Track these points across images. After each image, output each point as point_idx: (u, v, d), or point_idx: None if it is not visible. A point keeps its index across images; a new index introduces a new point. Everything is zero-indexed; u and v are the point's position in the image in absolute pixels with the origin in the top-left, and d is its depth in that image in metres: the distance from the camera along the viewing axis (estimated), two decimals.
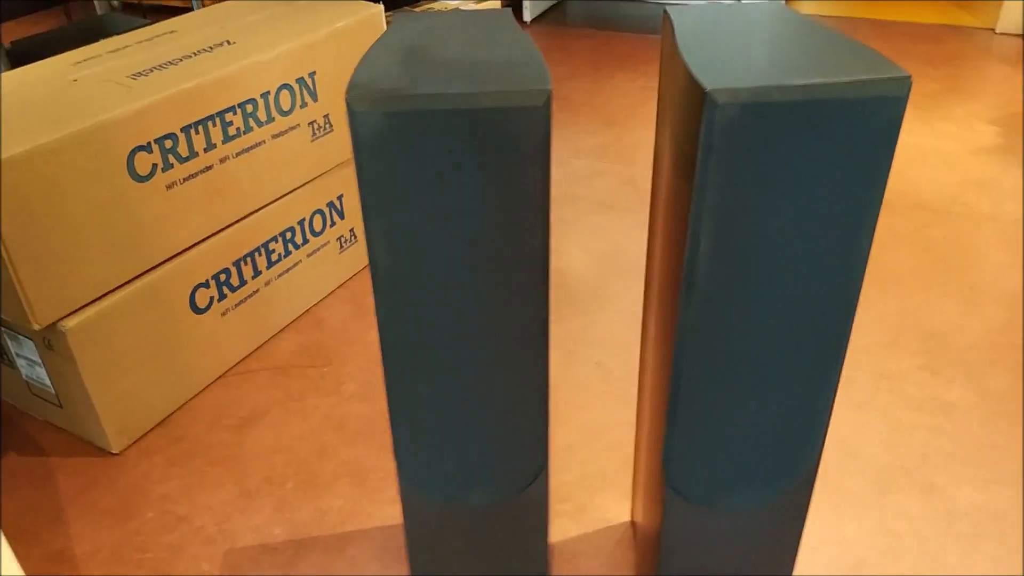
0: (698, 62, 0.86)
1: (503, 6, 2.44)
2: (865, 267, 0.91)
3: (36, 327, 1.49)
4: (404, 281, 0.92)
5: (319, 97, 1.85)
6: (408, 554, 1.18)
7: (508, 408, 1.02)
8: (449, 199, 0.87)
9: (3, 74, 1.70)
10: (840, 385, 1.73)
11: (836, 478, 1.53)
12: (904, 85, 0.80)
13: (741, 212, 0.85)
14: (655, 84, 3.21)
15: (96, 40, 1.82)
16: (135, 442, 1.70)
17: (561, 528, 1.47)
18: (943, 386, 1.73)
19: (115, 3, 2.79)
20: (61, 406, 1.68)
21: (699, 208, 0.86)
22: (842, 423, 1.64)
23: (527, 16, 3.91)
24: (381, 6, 1.95)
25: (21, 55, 2.08)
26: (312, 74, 1.82)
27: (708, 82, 0.80)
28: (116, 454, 1.68)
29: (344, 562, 1.44)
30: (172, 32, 1.85)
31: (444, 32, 1.00)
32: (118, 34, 1.87)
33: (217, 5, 2.03)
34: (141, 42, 1.80)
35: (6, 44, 2.40)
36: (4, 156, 1.36)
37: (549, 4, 4.12)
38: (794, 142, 0.81)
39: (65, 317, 1.52)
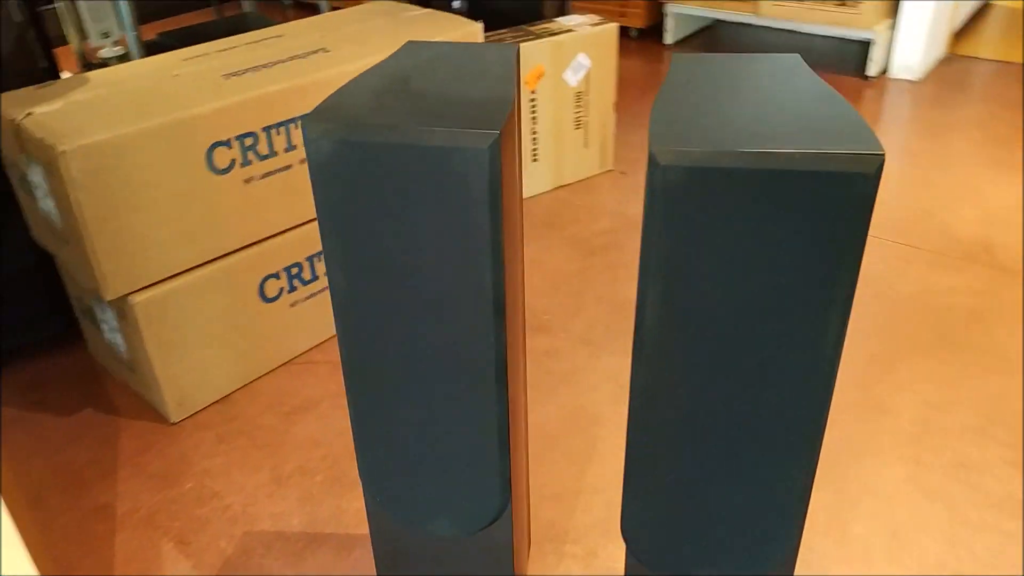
0: (662, 117, 0.82)
1: (610, 25, 2.41)
2: (838, 355, 0.84)
3: (107, 298, 1.61)
4: (359, 304, 0.94)
5: None
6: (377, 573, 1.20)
7: (464, 444, 1.02)
8: (397, 230, 0.88)
9: (123, 64, 1.85)
10: (908, 467, 1.61)
11: (881, 568, 1.42)
12: (872, 163, 0.74)
13: (690, 278, 0.81)
14: None
15: (232, 36, 1.95)
16: (193, 415, 1.81)
17: (564, 569, 1.44)
18: None
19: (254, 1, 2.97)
20: (134, 371, 1.81)
21: (645, 269, 0.82)
22: (900, 509, 1.52)
23: (668, 39, 3.84)
24: (480, 25, 1.97)
25: (163, 47, 2.25)
26: None
27: (655, 141, 0.77)
28: (173, 423, 1.79)
29: (349, 563, 1.47)
30: (279, 36, 1.95)
31: (436, 66, 1.00)
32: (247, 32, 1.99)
33: (332, 13, 2.12)
34: (249, 44, 1.90)
35: (154, 36, 2.60)
36: (90, 141, 1.48)
37: (698, 27, 4.03)
38: (747, 212, 0.77)
39: (136, 292, 1.64)
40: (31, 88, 1.71)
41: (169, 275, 1.66)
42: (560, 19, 2.55)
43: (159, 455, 1.72)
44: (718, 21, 4.12)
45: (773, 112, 0.83)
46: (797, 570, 1.41)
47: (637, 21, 3.85)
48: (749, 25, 4.03)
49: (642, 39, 3.95)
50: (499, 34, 2.44)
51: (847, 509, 1.53)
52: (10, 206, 1.82)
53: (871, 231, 2.34)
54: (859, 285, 2.13)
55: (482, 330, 0.92)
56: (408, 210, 0.86)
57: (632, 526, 0.99)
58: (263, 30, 2.00)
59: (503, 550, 1.11)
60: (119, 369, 1.88)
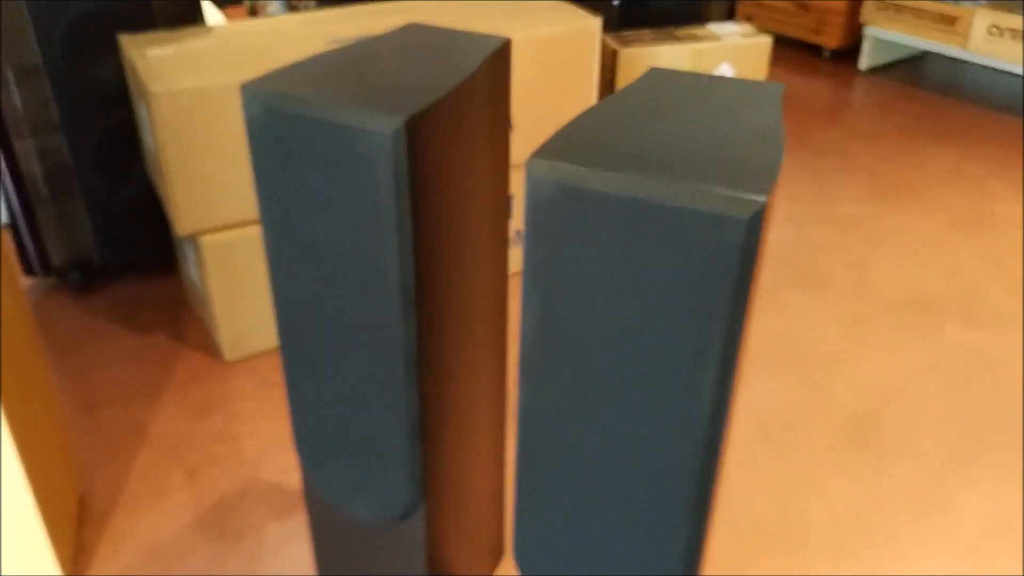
0: (574, 128, 0.76)
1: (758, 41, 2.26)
2: (720, 409, 0.74)
3: (178, 234, 1.71)
4: (288, 272, 0.94)
5: None
6: (315, 556, 1.20)
7: (379, 431, 0.99)
8: (316, 206, 0.86)
9: (249, 21, 1.95)
10: None
11: None
12: (748, 207, 0.64)
13: (562, 298, 0.75)
14: (966, 168, 2.78)
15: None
16: (246, 359, 1.89)
17: None
18: None
19: None
20: (204, 306, 1.92)
21: (525, 284, 0.76)
22: None
23: (863, 63, 3.56)
24: (597, 20, 1.91)
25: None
26: None
27: (540, 151, 0.71)
28: (226, 361, 1.88)
29: None
30: (395, 12, 1.98)
31: (406, 48, 0.98)
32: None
33: None
34: (371, 14, 1.95)
35: None
36: (179, 87, 1.57)
37: (901, 55, 3.71)
38: (617, 239, 0.69)
39: (208, 233, 1.73)
40: (160, 33, 1.84)
41: (240, 223, 1.74)
42: (711, 25, 2.42)
43: (202, 388, 1.81)
44: (927, 53, 3.78)
45: (692, 141, 0.74)
46: None
47: (832, 40, 3.60)
48: (964, 62, 3.67)
49: (835, 60, 3.69)
50: (638, 33, 2.36)
51: None
52: (135, 139, 1.98)
53: None
54: (979, 368, 1.90)
55: (390, 319, 0.90)
56: (324, 187, 0.85)
57: (523, 550, 0.94)
58: (391, 4, 2.04)
59: (416, 547, 1.08)
60: (195, 302, 2.00)
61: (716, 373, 0.71)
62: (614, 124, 0.77)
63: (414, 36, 1.01)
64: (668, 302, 0.70)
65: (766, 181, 0.66)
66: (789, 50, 3.84)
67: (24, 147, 1.94)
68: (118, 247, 2.09)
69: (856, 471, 1.61)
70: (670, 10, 2.58)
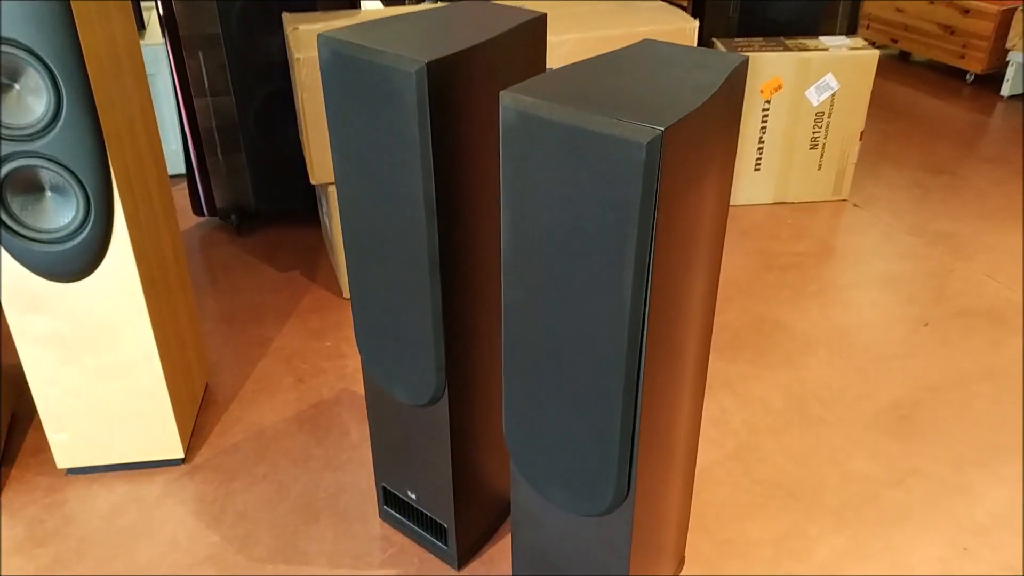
0: (546, 76, 0.99)
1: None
2: (639, 310, 0.94)
3: (313, 181, 2.05)
4: (347, 188, 1.21)
5: None
6: (370, 427, 1.47)
7: (412, 327, 1.25)
8: (366, 132, 1.13)
9: (398, 7, 2.27)
10: (952, 552, 1.52)
11: None
12: (648, 134, 0.85)
13: (525, 206, 0.97)
14: None
15: None
16: None
17: None
18: None
19: None
20: (332, 250, 2.25)
21: (502, 197, 1.00)
22: None
23: (1006, 90, 3.51)
24: (696, 23, 2.10)
25: None
26: None
27: (510, 88, 0.95)
28: (346, 299, 2.20)
29: None
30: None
31: (460, 16, 1.23)
32: None
33: None
34: None
35: None
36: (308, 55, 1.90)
37: None
38: (561, 158, 0.91)
39: (332, 184, 2.05)
40: (317, 13, 2.19)
41: None
42: (823, 38, 2.54)
43: (322, 317, 2.14)
44: None
45: (636, 90, 0.95)
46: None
47: (976, 65, 3.58)
48: None
49: (976, 85, 3.66)
50: (750, 41, 2.51)
51: (858, 558, 1.50)
52: (291, 104, 2.34)
53: None
54: None
55: (418, 224, 1.15)
56: (371, 115, 1.11)
57: (512, 435, 1.16)
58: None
59: (442, 426, 1.32)
60: (327, 246, 2.34)
61: (634, 267, 0.91)
62: (582, 74, 0.99)
63: (474, 7, 1.26)
64: (598, 210, 0.91)
65: (673, 118, 0.87)
66: (934, 74, 3.83)
67: (201, 105, 2.34)
68: (271, 196, 2.47)
69: (882, 451, 1.72)
70: (788, 21, 2.71)
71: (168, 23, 2.21)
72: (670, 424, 1.13)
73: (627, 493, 1.08)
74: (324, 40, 1.12)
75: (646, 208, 0.88)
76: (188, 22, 2.24)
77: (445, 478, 1.37)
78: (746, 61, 1.04)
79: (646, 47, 1.10)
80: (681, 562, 1.47)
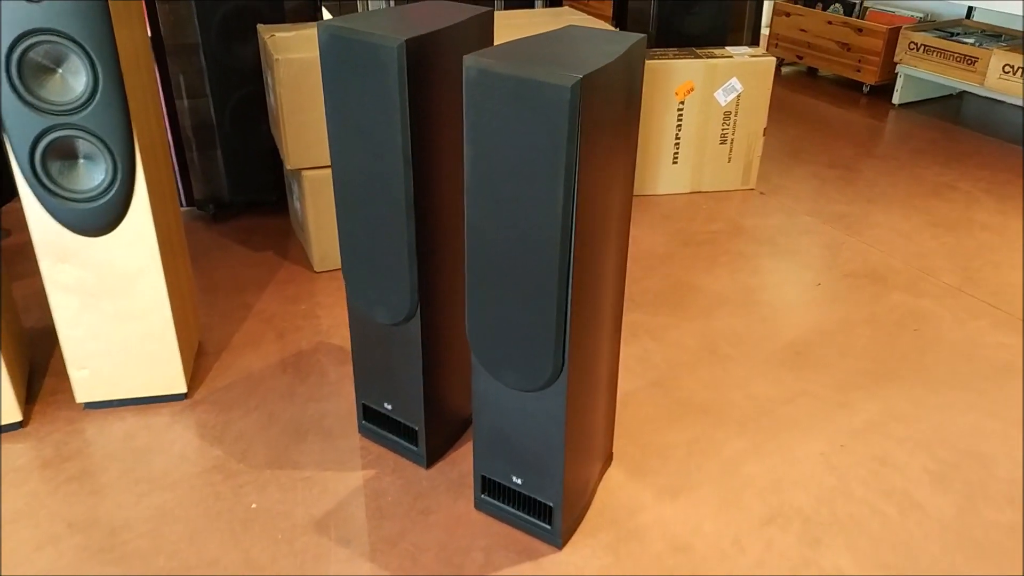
0: (498, 47, 1.32)
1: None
2: (569, 217, 1.27)
3: (288, 167, 2.35)
4: (340, 147, 1.52)
5: None
6: (352, 349, 1.77)
7: (390, 256, 1.56)
8: (357, 99, 1.45)
9: None
10: (829, 447, 1.86)
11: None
12: (569, 79, 1.18)
13: (482, 146, 1.30)
14: (960, 184, 3.17)
15: None
16: (331, 271, 2.50)
17: None
18: None
19: None
20: (302, 230, 2.54)
21: (466, 136, 1.32)
22: (794, 467, 1.80)
23: (896, 98, 3.97)
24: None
25: None
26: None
27: (473, 54, 1.27)
28: (316, 272, 2.49)
29: None
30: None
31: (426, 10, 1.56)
32: None
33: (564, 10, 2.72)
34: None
35: None
36: (294, 56, 2.21)
37: (938, 93, 4.09)
38: (510, 104, 1.24)
39: (308, 169, 2.35)
40: (287, 24, 2.50)
41: None
42: (729, 48, 2.94)
43: (296, 287, 2.43)
44: (965, 92, 4.15)
45: (562, 55, 1.28)
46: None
47: (870, 77, 4.03)
48: (993, 99, 4.03)
49: (872, 96, 4.12)
50: (666, 51, 2.89)
51: (756, 456, 1.84)
52: (263, 106, 2.64)
53: None
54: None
55: (395, 170, 1.46)
56: (360, 83, 1.43)
57: (473, 330, 1.47)
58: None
59: (414, 344, 1.63)
60: (297, 229, 2.63)
61: (564, 183, 1.24)
62: (523, 46, 1.32)
63: (434, 5, 1.59)
64: (537, 140, 1.24)
65: (588, 70, 1.20)
66: (834, 87, 4.29)
67: (181, 107, 2.63)
68: (244, 188, 2.75)
69: (778, 379, 2.08)
70: (699, 34, 3.11)
71: (153, 34, 2.50)
72: (594, 318, 1.46)
73: (561, 369, 1.40)
74: (324, 27, 1.44)
75: (572, 136, 1.21)
76: (171, 32, 2.53)
77: (416, 386, 1.67)
78: (643, 39, 1.39)
79: (570, 29, 1.44)
80: (609, 458, 1.79)
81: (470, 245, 1.39)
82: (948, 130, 3.73)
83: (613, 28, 2.52)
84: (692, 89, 2.83)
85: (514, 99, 1.23)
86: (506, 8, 3.31)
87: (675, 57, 2.83)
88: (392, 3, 3.10)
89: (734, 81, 2.84)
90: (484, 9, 1.57)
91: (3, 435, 1.84)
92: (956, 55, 3.65)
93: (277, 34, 2.36)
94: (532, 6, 3.40)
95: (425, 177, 1.50)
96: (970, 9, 4.02)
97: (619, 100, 1.33)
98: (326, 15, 2.79)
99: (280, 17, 2.60)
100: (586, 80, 1.19)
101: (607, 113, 1.29)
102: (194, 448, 1.81)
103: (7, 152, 1.62)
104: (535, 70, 1.21)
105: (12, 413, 1.83)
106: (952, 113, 3.95)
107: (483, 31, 1.56)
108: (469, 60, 1.26)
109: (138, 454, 1.79)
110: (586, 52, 1.30)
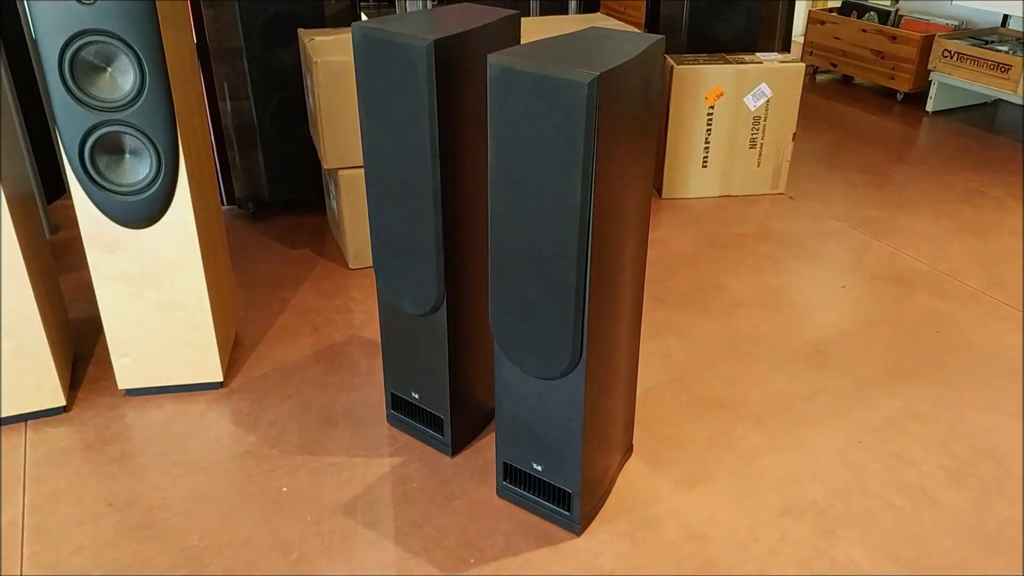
0: (532, 44, 1.38)
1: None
2: (586, 218, 1.32)
3: (325, 167, 2.43)
4: (372, 141, 1.59)
5: None
6: (381, 340, 1.84)
7: (418, 246, 1.62)
8: (387, 93, 1.52)
9: None
10: (848, 443, 1.89)
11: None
12: (587, 77, 1.24)
13: (508, 140, 1.36)
14: (990, 190, 3.16)
15: None
16: (365, 268, 2.57)
17: None
18: None
19: None
20: (338, 228, 2.62)
21: (490, 131, 1.38)
22: (814, 461, 1.83)
23: (930, 106, 3.97)
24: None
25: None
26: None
27: (497, 53, 1.34)
28: (350, 268, 2.57)
29: None
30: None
31: (456, 14, 1.63)
32: None
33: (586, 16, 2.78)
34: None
35: None
36: (333, 59, 2.29)
37: (972, 101, 4.08)
38: (532, 98, 1.30)
39: (345, 168, 2.43)
40: (327, 28, 2.58)
41: None
42: (759, 54, 2.97)
43: (332, 282, 2.50)
44: (1000, 100, 4.13)
45: (583, 54, 1.34)
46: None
47: (904, 85, 4.03)
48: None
49: (906, 103, 4.12)
50: (697, 56, 2.94)
51: (773, 449, 1.88)
52: (302, 108, 2.73)
53: None
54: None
55: (423, 164, 1.53)
56: (391, 81, 1.50)
57: (496, 320, 1.53)
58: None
59: (440, 335, 1.69)
60: (333, 227, 2.71)
61: (582, 175, 1.30)
62: (544, 45, 1.38)
63: (466, 8, 1.66)
64: (556, 134, 1.30)
65: (605, 68, 1.26)
66: (868, 94, 4.29)
67: (223, 108, 2.73)
68: (283, 187, 2.84)
69: (798, 376, 2.11)
70: (730, 40, 3.15)
71: (199, 38, 2.60)
72: (612, 309, 1.51)
73: (580, 357, 1.45)
74: (357, 27, 1.51)
75: (589, 130, 1.27)
76: (216, 37, 2.63)
77: (443, 375, 1.73)
78: (661, 40, 1.45)
79: (593, 31, 1.50)
80: (629, 450, 1.83)
81: (493, 236, 1.45)
82: (981, 137, 3.72)
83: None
84: (722, 94, 2.87)
85: (535, 95, 1.29)
86: (540, 14, 3.37)
87: (705, 63, 2.87)
88: (429, 7, 3.18)
89: (763, 86, 2.88)
90: (512, 12, 1.63)
91: (48, 419, 1.93)
92: (990, 63, 3.64)
93: (317, 38, 2.45)
94: (566, 12, 3.46)
95: (452, 172, 1.57)
96: (1005, 17, 4.01)
97: (636, 97, 1.39)
98: (364, 20, 2.87)
99: (320, 22, 2.69)
100: (603, 77, 1.24)
101: (624, 109, 1.35)
102: (228, 434, 1.88)
103: (57, 151, 1.71)
104: (555, 67, 1.26)
105: (56, 398, 1.92)
106: (986, 121, 3.94)
107: (510, 32, 1.62)
108: (493, 58, 1.32)
109: (175, 438, 1.87)
110: (605, 52, 1.36)
